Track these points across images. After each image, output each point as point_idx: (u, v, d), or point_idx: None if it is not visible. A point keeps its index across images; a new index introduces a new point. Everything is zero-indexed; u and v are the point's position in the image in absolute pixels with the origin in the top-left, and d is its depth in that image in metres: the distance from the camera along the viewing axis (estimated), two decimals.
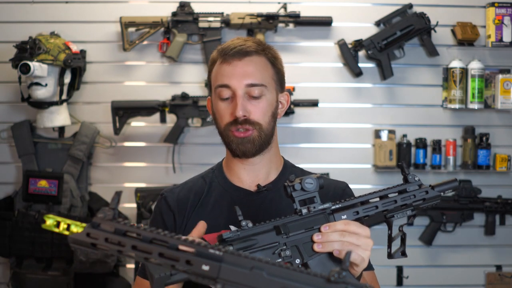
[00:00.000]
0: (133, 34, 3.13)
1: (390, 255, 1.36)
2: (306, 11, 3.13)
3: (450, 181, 1.40)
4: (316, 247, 1.29)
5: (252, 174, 1.58)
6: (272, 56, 1.58)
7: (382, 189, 1.36)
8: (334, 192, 1.58)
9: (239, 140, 1.52)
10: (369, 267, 1.56)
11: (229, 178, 1.61)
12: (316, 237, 1.29)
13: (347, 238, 1.27)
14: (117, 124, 3.07)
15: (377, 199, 1.34)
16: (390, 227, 1.37)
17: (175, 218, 1.57)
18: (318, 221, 1.31)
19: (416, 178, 1.37)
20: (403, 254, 1.36)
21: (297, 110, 3.14)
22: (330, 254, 1.29)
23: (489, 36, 3.14)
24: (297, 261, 1.29)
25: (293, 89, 3.11)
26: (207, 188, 1.60)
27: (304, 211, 1.31)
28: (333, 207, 1.32)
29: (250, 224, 1.29)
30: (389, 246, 1.36)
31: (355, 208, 1.32)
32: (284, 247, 1.29)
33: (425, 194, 1.36)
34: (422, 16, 3.09)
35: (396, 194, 1.36)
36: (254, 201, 1.56)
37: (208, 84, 1.63)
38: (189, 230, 1.41)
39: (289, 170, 1.63)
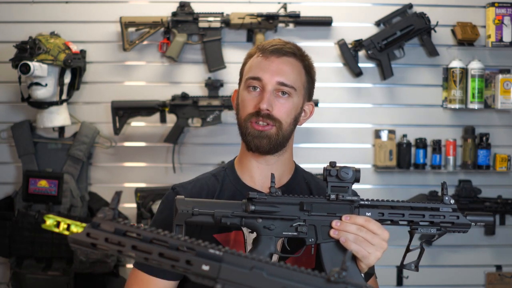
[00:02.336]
0: (133, 34, 3.13)
1: (402, 265, 1.40)
2: (306, 11, 3.13)
3: (486, 215, 1.41)
4: (332, 233, 1.35)
5: (264, 174, 1.58)
6: (308, 65, 1.61)
7: (415, 202, 1.39)
8: None
9: (256, 133, 1.53)
10: (373, 272, 1.57)
11: (241, 177, 1.61)
12: (335, 223, 1.35)
13: (363, 233, 1.33)
14: (117, 124, 3.07)
15: (408, 208, 1.38)
16: (411, 239, 1.40)
17: None
18: (343, 210, 1.36)
19: (451, 201, 1.39)
20: (416, 267, 1.40)
21: None
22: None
23: (489, 36, 3.14)
24: (311, 239, 1.36)
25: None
26: (220, 187, 1.60)
27: (333, 196, 1.36)
28: (361, 202, 1.37)
29: (279, 193, 1.38)
30: (404, 256, 1.40)
31: (382, 210, 1.36)
32: (303, 223, 1.35)
33: (456, 219, 1.38)
34: (422, 16, 3.09)
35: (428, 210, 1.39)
36: None
37: (240, 75, 1.64)
38: (202, 229, 1.44)
39: (300, 175, 1.64)
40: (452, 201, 1.38)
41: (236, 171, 1.62)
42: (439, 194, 3.14)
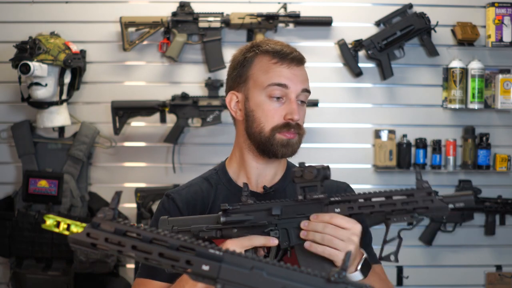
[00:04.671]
0: (133, 34, 3.13)
1: (381, 257, 1.34)
2: (306, 11, 3.13)
3: (464, 194, 1.32)
4: (302, 234, 1.33)
5: (262, 175, 1.59)
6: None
7: (389, 190, 1.32)
8: (337, 192, 1.59)
9: (285, 142, 1.54)
10: (376, 261, 1.56)
11: (235, 179, 1.60)
12: (303, 224, 1.34)
13: (329, 230, 1.30)
14: (117, 124, 3.07)
15: (381, 199, 1.31)
16: (387, 230, 1.34)
17: None
18: (313, 209, 1.34)
19: (425, 185, 1.30)
20: (396, 258, 1.33)
21: None
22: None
23: (489, 36, 3.14)
24: (285, 243, 1.34)
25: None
26: (214, 191, 1.59)
27: (300, 197, 1.35)
28: (331, 199, 1.34)
29: (251, 201, 1.37)
30: (382, 248, 1.33)
31: (352, 204, 1.32)
32: (274, 227, 1.35)
33: (430, 203, 1.28)
34: (422, 16, 3.09)
35: (402, 197, 1.31)
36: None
37: (241, 78, 1.58)
38: None
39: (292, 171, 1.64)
40: (426, 185, 1.30)
41: (228, 173, 1.61)
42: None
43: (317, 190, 1.34)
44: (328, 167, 1.35)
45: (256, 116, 1.55)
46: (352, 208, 1.32)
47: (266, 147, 1.54)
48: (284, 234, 1.35)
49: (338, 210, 1.32)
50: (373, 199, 1.31)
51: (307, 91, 1.56)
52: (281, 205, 1.35)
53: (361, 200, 1.31)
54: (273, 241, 1.33)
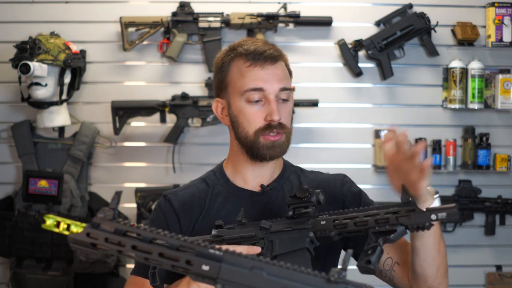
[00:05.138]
0: (133, 34, 3.13)
1: (358, 266, 1.28)
2: (306, 11, 3.13)
3: (447, 207, 1.25)
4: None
5: (259, 175, 1.59)
6: (286, 59, 1.61)
7: (378, 206, 1.32)
8: (335, 185, 1.61)
9: (270, 144, 1.52)
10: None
11: (232, 179, 1.60)
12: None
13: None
14: (117, 124, 3.07)
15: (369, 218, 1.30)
16: (368, 238, 1.30)
17: (179, 221, 1.56)
18: (299, 223, 1.36)
19: (410, 199, 1.28)
20: (372, 264, 1.25)
21: (297, 110, 3.14)
22: (302, 254, 1.33)
23: (489, 36, 3.14)
24: (268, 254, 1.36)
25: (293, 89, 3.11)
26: (211, 191, 1.59)
27: (290, 213, 1.37)
28: (320, 215, 1.35)
29: (245, 221, 1.40)
30: (361, 256, 1.27)
31: (336, 216, 1.33)
32: (261, 240, 1.37)
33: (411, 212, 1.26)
34: (422, 16, 3.09)
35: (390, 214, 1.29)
36: (260, 201, 1.56)
37: (220, 85, 1.58)
38: (196, 235, 1.44)
39: (289, 169, 1.64)
40: (410, 199, 1.28)
41: (226, 175, 1.61)
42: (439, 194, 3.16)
43: (309, 207, 1.35)
44: (322, 192, 1.37)
45: (239, 122, 1.55)
46: (337, 220, 1.33)
47: (254, 151, 1.54)
48: (269, 245, 1.36)
49: (323, 222, 1.33)
50: (358, 217, 1.31)
51: (286, 89, 1.54)
52: (271, 222, 1.38)
53: (349, 215, 1.32)
54: (256, 249, 1.34)
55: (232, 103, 1.55)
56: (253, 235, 1.37)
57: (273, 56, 1.54)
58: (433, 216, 1.24)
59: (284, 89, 1.53)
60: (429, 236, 1.41)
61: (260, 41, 1.58)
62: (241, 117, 1.54)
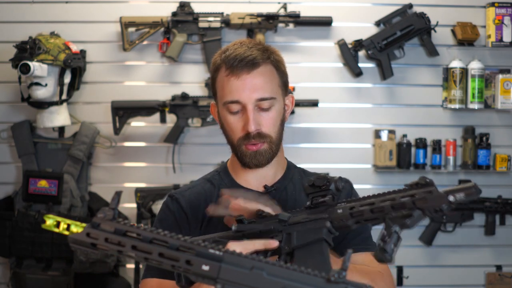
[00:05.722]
0: (133, 34, 3.13)
1: (376, 254, 1.23)
2: (306, 11, 3.13)
3: (468, 186, 1.16)
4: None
5: (260, 177, 1.59)
6: (276, 60, 1.56)
7: (396, 190, 1.25)
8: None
9: (252, 154, 1.52)
10: (367, 247, 1.53)
11: (236, 179, 1.61)
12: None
13: None
14: (117, 124, 3.07)
15: (386, 202, 1.24)
16: (385, 226, 1.24)
17: (188, 220, 1.56)
18: (316, 213, 1.32)
19: (427, 180, 1.21)
20: (383, 252, 1.20)
21: (297, 110, 3.14)
22: (319, 246, 1.29)
23: (489, 36, 3.14)
24: (286, 248, 1.32)
25: (293, 89, 3.11)
26: (217, 191, 1.59)
27: (308, 202, 1.34)
28: (337, 204, 1.31)
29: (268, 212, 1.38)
30: (379, 246, 1.22)
31: (353, 204, 1.29)
32: (280, 233, 1.33)
33: (429, 194, 1.19)
34: (422, 16, 3.09)
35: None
36: None
37: (212, 90, 1.60)
38: (203, 235, 1.42)
39: (292, 170, 1.64)
40: (428, 180, 1.21)
41: (230, 175, 1.62)
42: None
43: (326, 197, 1.32)
44: (341, 179, 1.34)
45: (225, 129, 1.57)
46: (354, 208, 1.28)
47: (241, 159, 1.55)
48: (287, 238, 1.33)
49: (340, 211, 1.29)
50: (371, 202, 1.26)
51: (263, 99, 1.50)
52: (289, 214, 1.35)
53: (366, 201, 1.27)
54: (273, 243, 1.33)
55: (219, 110, 1.57)
56: (271, 229, 1.35)
57: (252, 63, 1.50)
58: (451, 198, 1.16)
59: (262, 99, 1.50)
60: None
61: (247, 44, 1.55)
62: (226, 125, 1.56)
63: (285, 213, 1.36)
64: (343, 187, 1.34)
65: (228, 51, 1.53)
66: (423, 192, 1.19)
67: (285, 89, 1.59)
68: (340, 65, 3.20)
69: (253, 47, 1.53)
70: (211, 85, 1.60)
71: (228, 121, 1.54)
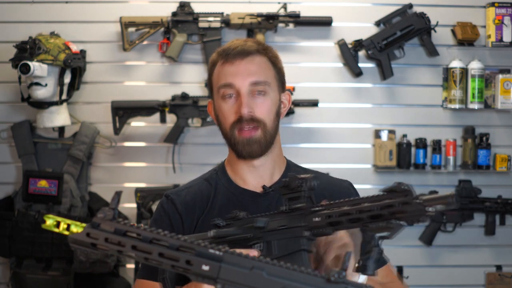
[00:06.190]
0: (133, 34, 3.13)
1: (357, 268, 1.21)
2: (306, 11, 3.13)
3: (445, 196, 1.14)
4: None
5: (256, 175, 1.58)
6: (273, 56, 1.59)
7: (372, 197, 1.23)
8: (339, 191, 1.58)
9: (245, 141, 1.52)
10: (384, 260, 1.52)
11: (234, 179, 1.60)
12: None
13: None
14: (117, 124, 3.07)
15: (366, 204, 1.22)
16: (365, 238, 1.22)
17: (182, 221, 1.56)
18: (293, 220, 1.31)
19: (404, 187, 1.22)
20: (362, 270, 1.18)
21: (297, 110, 3.14)
22: (299, 256, 1.29)
23: (489, 36, 3.14)
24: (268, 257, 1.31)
25: (293, 89, 3.11)
26: (213, 191, 1.59)
27: (283, 208, 1.33)
28: (313, 209, 1.29)
29: (242, 215, 1.36)
30: (360, 259, 1.21)
31: (331, 212, 1.26)
32: (259, 240, 1.32)
33: (408, 206, 1.18)
34: (422, 16, 3.09)
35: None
36: (261, 202, 1.55)
37: (209, 87, 1.62)
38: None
39: (291, 170, 1.63)
40: (406, 187, 1.21)
41: (228, 174, 1.61)
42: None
43: (301, 200, 1.30)
44: (314, 177, 1.31)
45: (220, 119, 1.57)
46: (331, 217, 1.26)
47: (233, 147, 1.55)
48: (267, 247, 1.33)
49: (317, 219, 1.28)
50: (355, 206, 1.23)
51: (257, 83, 1.52)
52: (266, 218, 1.34)
53: (344, 208, 1.24)
54: (253, 253, 1.32)
55: (215, 102, 1.59)
56: (250, 237, 1.34)
57: (244, 51, 1.53)
58: (430, 209, 1.15)
59: (256, 83, 1.52)
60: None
61: (242, 39, 1.59)
62: (220, 114, 1.57)
63: (262, 218, 1.34)
64: (317, 185, 1.32)
65: (224, 47, 1.58)
66: (402, 204, 1.18)
67: (282, 85, 1.61)
68: (340, 65, 3.20)
69: (249, 41, 1.58)
70: (208, 82, 1.62)
71: (222, 108, 1.55)
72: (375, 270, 1.20)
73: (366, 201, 1.23)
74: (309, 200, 1.31)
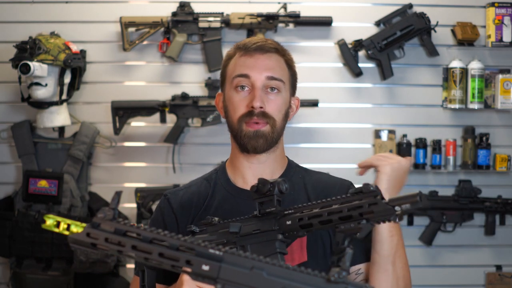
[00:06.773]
0: (133, 34, 3.13)
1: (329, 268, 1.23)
2: (306, 11, 3.13)
3: (410, 195, 1.16)
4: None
5: (257, 173, 1.56)
6: (289, 59, 1.60)
7: (341, 198, 1.25)
8: (340, 191, 1.57)
9: (252, 134, 1.51)
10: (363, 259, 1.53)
11: (233, 179, 1.60)
12: None
13: None
14: (117, 124, 3.07)
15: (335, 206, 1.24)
16: (336, 239, 1.23)
17: (177, 221, 1.56)
18: (266, 224, 1.32)
19: (371, 188, 1.22)
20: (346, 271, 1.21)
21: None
22: (273, 256, 1.30)
23: (489, 36, 3.14)
24: None
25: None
26: (211, 190, 1.59)
27: (255, 212, 1.34)
28: (285, 212, 1.31)
29: (215, 220, 1.37)
30: (332, 261, 1.20)
31: (301, 215, 1.28)
32: (232, 245, 1.33)
33: (375, 206, 1.19)
34: (422, 16, 3.09)
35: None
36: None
37: (221, 78, 1.62)
38: None
39: (293, 170, 1.62)
40: (372, 188, 1.22)
41: (227, 174, 1.61)
42: (439, 194, 3.16)
43: (273, 203, 1.31)
44: (284, 181, 1.32)
45: (228, 110, 1.56)
46: (302, 219, 1.28)
47: (238, 140, 1.54)
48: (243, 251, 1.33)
49: (289, 222, 1.29)
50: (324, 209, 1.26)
51: (273, 78, 1.53)
52: (240, 223, 1.34)
53: (315, 210, 1.26)
54: None
55: (226, 93, 1.58)
56: (225, 242, 1.34)
57: (264, 47, 1.55)
58: (398, 208, 1.17)
59: (272, 78, 1.52)
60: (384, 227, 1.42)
61: (265, 39, 1.60)
62: (230, 105, 1.56)
63: (236, 223, 1.35)
64: (287, 188, 1.32)
65: (243, 41, 1.59)
66: (370, 205, 1.20)
67: (293, 89, 1.62)
68: (340, 65, 3.20)
69: (270, 40, 1.60)
70: (221, 74, 1.62)
71: (233, 99, 1.54)
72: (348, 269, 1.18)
73: (336, 203, 1.25)
74: (279, 203, 1.33)
